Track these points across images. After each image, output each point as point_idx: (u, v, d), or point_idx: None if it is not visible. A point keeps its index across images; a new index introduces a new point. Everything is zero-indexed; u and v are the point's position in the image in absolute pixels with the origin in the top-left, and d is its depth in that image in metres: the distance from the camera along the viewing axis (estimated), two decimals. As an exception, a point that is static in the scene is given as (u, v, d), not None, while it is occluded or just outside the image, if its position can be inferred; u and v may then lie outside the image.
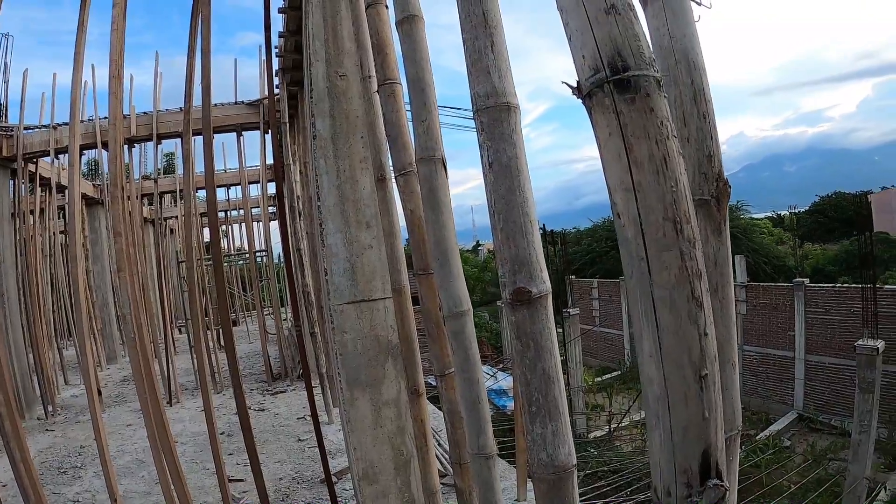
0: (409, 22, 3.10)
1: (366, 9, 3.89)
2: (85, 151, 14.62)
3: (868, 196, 50.10)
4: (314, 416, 6.06)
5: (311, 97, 4.96)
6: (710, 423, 1.26)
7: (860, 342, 12.37)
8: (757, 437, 20.01)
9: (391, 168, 3.90)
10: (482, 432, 2.82)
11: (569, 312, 22.84)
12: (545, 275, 1.65)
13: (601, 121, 1.24)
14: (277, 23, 8.41)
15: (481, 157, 2.35)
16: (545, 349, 1.70)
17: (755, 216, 44.68)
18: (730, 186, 1.58)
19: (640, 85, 1.20)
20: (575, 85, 1.33)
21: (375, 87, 3.97)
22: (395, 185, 3.85)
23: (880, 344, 12.24)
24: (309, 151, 6.86)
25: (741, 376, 25.17)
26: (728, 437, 1.65)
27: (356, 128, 4.93)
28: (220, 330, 14.07)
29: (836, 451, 18.91)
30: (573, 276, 33.73)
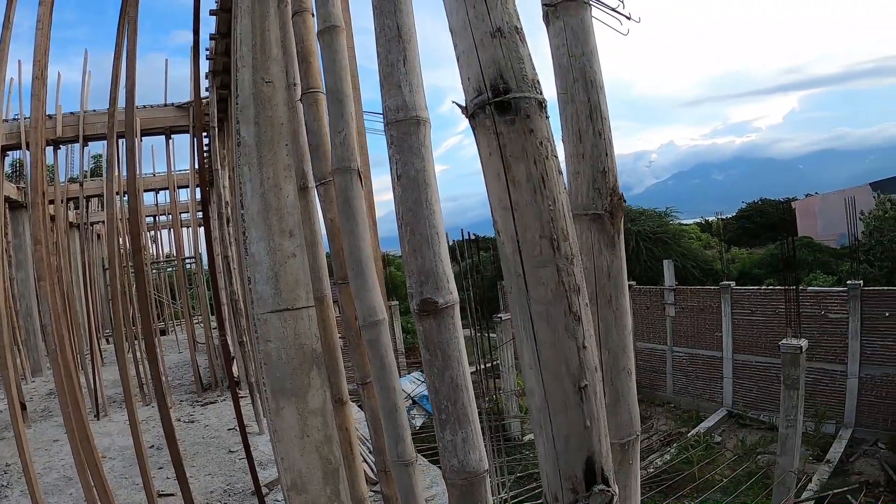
0: (329, 32, 3.11)
1: (292, 16, 3.89)
2: (9, 152, 14.10)
3: (792, 203, 52.27)
4: (241, 427, 5.98)
5: (237, 103, 4.91)
6: (593, 432, 1.31)
7: (784, 341, 12.89)
8: (689, 435, 20.57)
9: (313, 177, 3.89)
10: (400, 440, 2.83)
11: (500, 318, 23.06)
12: (452, 285, 1.69)
13: (483, 141, 1.28)
14: (210, 24, 8.27)
15: (391, 169, 2.37)
16: (452, 358, 1.72)
17: (684, 222, 45.99)
18: (624, 201, 1.63)
19: (520, 107, 1.24)
20: (464, 105, 1.36)
21: (299, 95, 3.96)
22: (316, 194, 3.85)
23: (803, 343, 12.76)
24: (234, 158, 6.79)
25: (672, 376, 25.93)
26: (626, 442, 1.71)
27: (281, 135, 4.90)
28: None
29: (766, 445, 19.67)
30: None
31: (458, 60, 1.36)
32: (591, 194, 1.59)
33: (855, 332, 19.61)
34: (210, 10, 7.85)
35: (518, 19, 1.34)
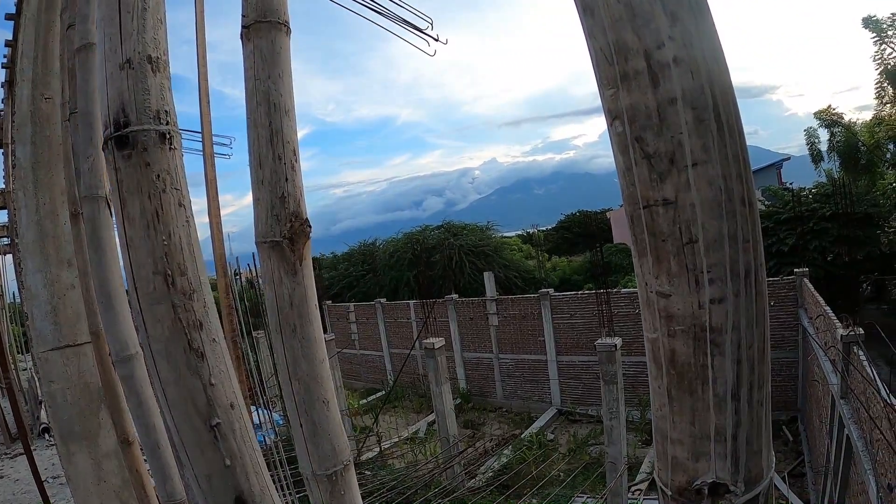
0: (85, 51, 2.91)
1: (66, 29, 3.62)
2: None
3: (608, 213, 55.67)
4: (38, 481, 5.50)
5: (14, 121, 4.52)
6: (237, 470, 1.24)
7: (599, 341, 13.57)
8: (522, 436, 21.22)
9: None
10: (168, 479, 2.66)
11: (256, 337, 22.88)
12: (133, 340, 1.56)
13: (109, 178, 1.21)
14: (9, 29, 7.59)
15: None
16: (164, 409, 1.60)
17: (506, 235, 47.82)
18: (309, 227, 1.56)
19: (138, 140, 1.16)
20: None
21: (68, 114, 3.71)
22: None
23: (618, 341, 13.51)
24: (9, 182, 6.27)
25: (500, 382, 26.74)
26: (333, 473, 1.64)
27: (59, 156, 4.56)
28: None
29: (596, 437, 20.63)
30: (329, 301, 33.89)
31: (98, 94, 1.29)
32: (269, 221, 1.51)
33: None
34: (6, 15, 7.22)
35: (159, 47, 1.26)
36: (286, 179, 1.53)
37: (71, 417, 4.40)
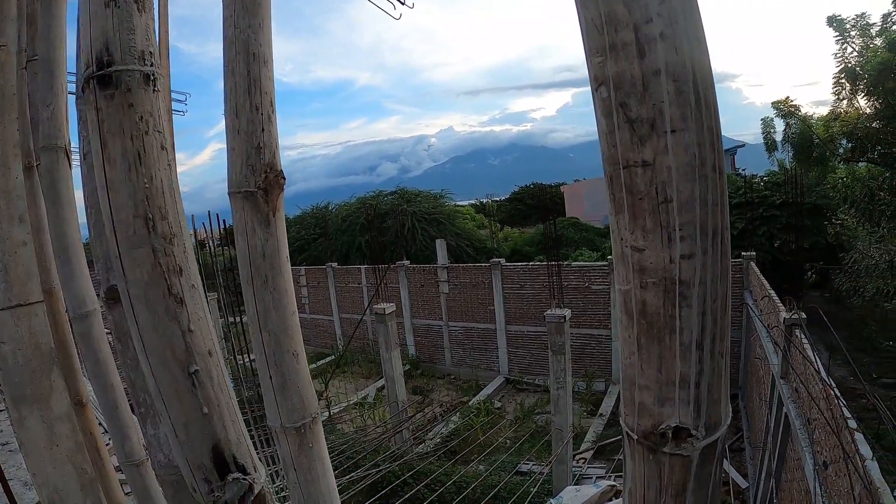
0: (48, -7, 2.83)
1: None
2: None
3: (561, 187, 56.26)
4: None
5: (-36, 69, 4.36)
6: (214, 418, 1.26)
7: (549, 311, 13.74)
8: (470, 403, 21.55)
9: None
10: (126, 439, 2.64)
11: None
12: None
13: (89, 118, 1.18)
14: None
15: (79, 145, 2.19)
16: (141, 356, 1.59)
17: (459, 203, 47.99)
18: (283, 178, 1.56)
19: (121, 80, 1.15)
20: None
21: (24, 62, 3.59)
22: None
23: (567, 312, 13.69)
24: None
25: (449, 350, 27.04)
26: (302, 425, 1.67)
27: (12, 107, 4.41)
28: None
29: (542, 406, 21.07)
30: None
31: (77, 36, 1.27)
32: (244, 171, 1.50)
33: (615, 300, 21.47)
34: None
35: (143, -15, 1.25)
36: (262, 130, 1.53)
37: (22, 380, 4.29)
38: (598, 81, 0.76)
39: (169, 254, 1.16)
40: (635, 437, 0.89)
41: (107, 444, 3.68)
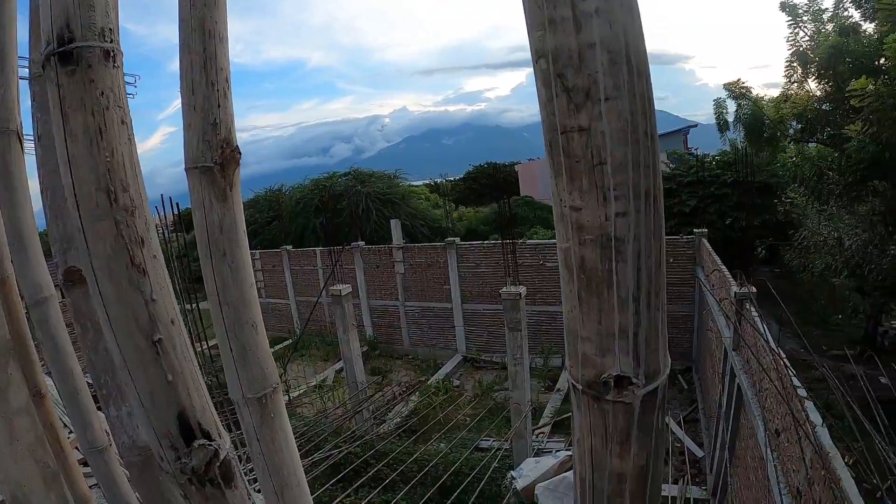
0: (-7, -23, 2.76)
1: None
2: None
3: (516, 166, 56.53)
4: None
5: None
6: (178, 386, 1.29)
7: (505, 289, 13.89)
8: (429, 382, 21.71)
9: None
10: (88, 426, 2.63)
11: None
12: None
13: (50, 94, 1.20)
14: None
15: (33, 129, 2.17)
16: (104, 328, 1.60)
17: (414, 183, 47.97)
18: (239, 153, 1.59)
19: (82, 56, 1.17)
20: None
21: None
22: None
23: (522, 289, 13.85)
24: None
25: (407, 330, 27.15)
26: (263, 396, 1.71)
27: (-42, 92, 4.31)
28: None
29: (500, 383, 21.38)
30: None
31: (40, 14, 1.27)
32: (201, 147, 1.53)
33: (567, 270, 21.91)
34: None
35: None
36: (218, 106, 1.55)
37: (-22, 374, 4.24)
38: (538, 54, 0.82)
39: (131, 225, 1.19)
40: (580, 387, 0.96)
41: (68, 437, 3.64)
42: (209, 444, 1.38)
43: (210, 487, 1.41)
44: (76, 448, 3.91)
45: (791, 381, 7.57)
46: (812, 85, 19.68)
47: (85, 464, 3.94)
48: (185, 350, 1.33)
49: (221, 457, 1.41)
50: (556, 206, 0.85)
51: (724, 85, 21.93)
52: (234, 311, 1.61)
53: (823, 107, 19.12)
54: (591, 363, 0.92)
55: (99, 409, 2.51)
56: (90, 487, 3.52)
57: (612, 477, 1.03)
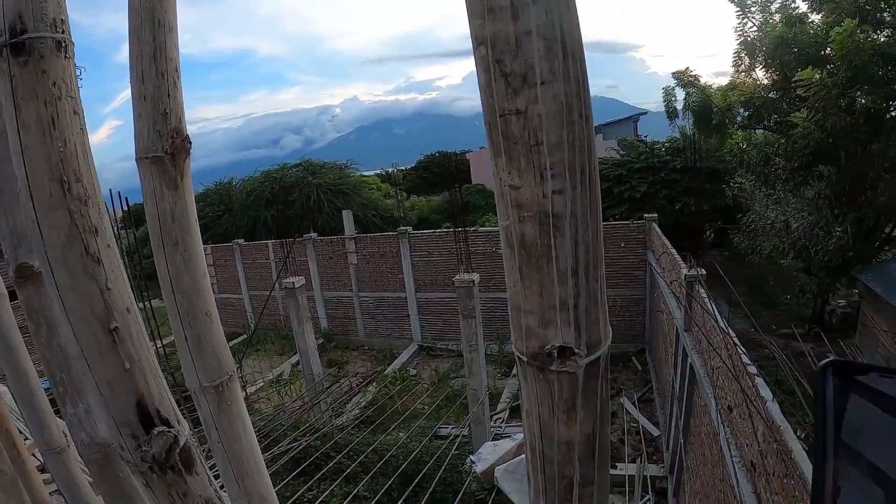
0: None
1: None
2: None
3: (467, 154, 56.75)
4: None
5: None
6: (136, 374, 1.31)
7: (458, 277, 13.95)
8: (386, 372, 21.79)
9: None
10: (45, 426, 2.59)
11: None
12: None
13: (2, 86, 1.20)
14: None
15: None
16: (58, 324, 1.60)
17: (365, 174, 47.95)
18: (189, 143, 1.60)
19: (34, 47, 1.18)
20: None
21: None
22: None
23: (475, 276, 13.93)
24: None
25: (362, 321, 27.14)
26: (220, 383, 1.72)
27: None
28: None
29: (457, 370, 21.62)
30: None
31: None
32: (151, 137, 1.53)
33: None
34: None
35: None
36: (168, 96, 1.56)
37: (-70, 382, 4.14)
38: (478, 41, 0.86)
39: (84, 215, 1.21)
40: (525, 359, 1.00)
41: (25, 443, 3.58)
42: (168, 431, 1.39)
43: (171, 474, 1.43)
44: (34, 455, 3.84)
45: (741, 358, 7.78)
46: (759, 74, 20.20)
47: (43, 470, 3.88)
48: (142, 338, 1.35)
49: (181, 443, 1.42)
50: (496, 186, 0.90)
51: (673, 73, 22.32)
52: (187, 300, 1.62)
53: (770, 95, 19.66)
54: (534, 335, 0.96)
55: (56, 411, 2.48)
56: (50, 494, 3.45)
57: (560, 445, 1.08)
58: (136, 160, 1.57)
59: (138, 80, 1.56)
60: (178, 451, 1.41)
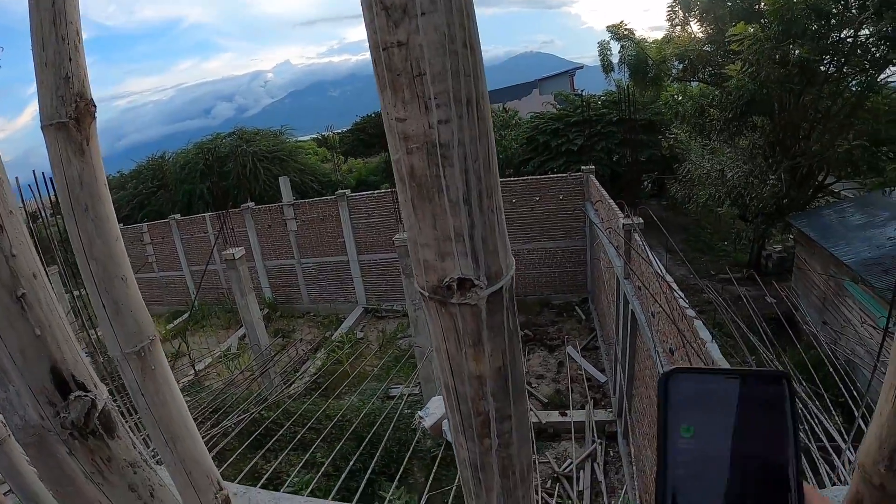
0: None
1: None
2: None
3: None
4: None
5: None
6: (48, 339, 1.30)
7: (397, 236, 13.96)
8: (333, 337, 21.82)
9: None
10: None
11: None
12: None
13: None
14: None
15: None
16: None
17: (301, 139, 47.18)
18: (94, 106, 1.56)
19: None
20: None
21: None
22: None
23: None
24: None
25: (305, 287, 27.13)
26: (141, 349, 1.69)
27: None
28: None
29: (403, 330, 21.86)
30: (120, 224, 32.00)
31: None
32: (55, 103, 1.50)
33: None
34: None
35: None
36: (70, 59, 1.51)
37: None
38: (359, -22, 0.86)
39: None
40: (427, 294, 1.01)
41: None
42: (85, 395, 1.38)
43: (93, 439, 1.42)
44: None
45: (678, 303, 8.00)
46: (694, 27, 20.56)
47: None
48: (51, 304, 1.33)
49: (100, 407, 1.42)
50: (385, 120, 0.89)
51: (608, 27, 22.49)
52: (102, 267, 1.59)
53: (705, 48, 20.04)
54: (432, 269, 0.97)
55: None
56: (4, 494, 3.37)
57: (472, 380, 1.09)
58: (42, 128, 1.54)
59: (39, 47, 1.52)
60: (98, 415, 1.40)
